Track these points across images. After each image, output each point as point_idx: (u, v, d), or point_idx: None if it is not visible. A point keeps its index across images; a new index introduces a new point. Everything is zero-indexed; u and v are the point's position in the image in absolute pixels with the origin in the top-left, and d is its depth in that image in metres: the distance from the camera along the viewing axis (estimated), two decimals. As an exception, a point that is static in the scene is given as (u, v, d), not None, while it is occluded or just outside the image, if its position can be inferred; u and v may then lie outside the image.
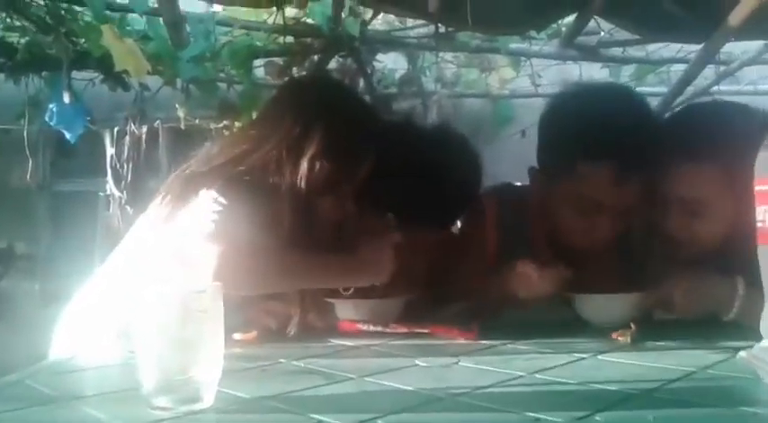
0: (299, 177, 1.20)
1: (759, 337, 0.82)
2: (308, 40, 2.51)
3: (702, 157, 1.22)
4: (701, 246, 1.28)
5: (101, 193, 2.93)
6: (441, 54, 2.82)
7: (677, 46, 2.54)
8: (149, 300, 0.75)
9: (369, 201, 1.29)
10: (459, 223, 1.59)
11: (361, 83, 2.78)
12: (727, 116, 1.34)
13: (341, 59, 2.66)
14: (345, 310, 1.27)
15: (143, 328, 0.74)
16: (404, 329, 1.18)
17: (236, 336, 1.12)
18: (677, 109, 1.73)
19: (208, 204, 1.13)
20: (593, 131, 1.26)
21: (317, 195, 1.23)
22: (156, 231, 1.20)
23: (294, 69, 2.57)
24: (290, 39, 2.49)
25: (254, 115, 1.53)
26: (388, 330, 1.18)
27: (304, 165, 1.20)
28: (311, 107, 1.26)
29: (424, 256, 1.42)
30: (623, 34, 2.37)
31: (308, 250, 1.18)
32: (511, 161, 1.59)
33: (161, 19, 2.19)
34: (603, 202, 1.29)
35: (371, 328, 1.19)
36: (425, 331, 1.16)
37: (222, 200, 1.12)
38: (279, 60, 2.56)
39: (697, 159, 1.23)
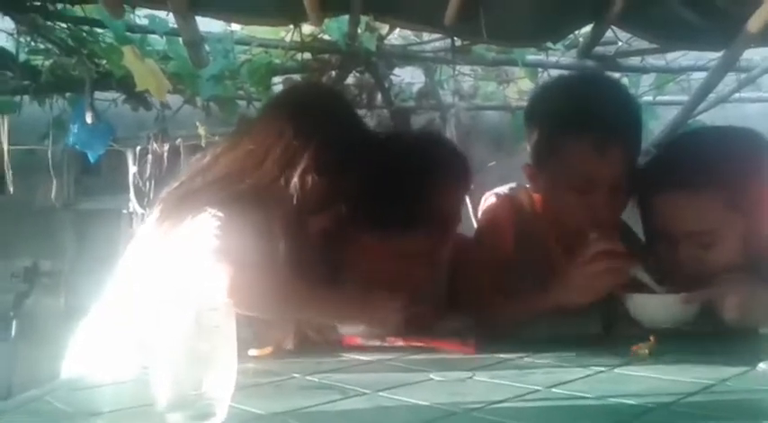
0: (292, 193, 1.20)
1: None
2: (326, 56, 2.53)
3: (705, 189, 1.21)
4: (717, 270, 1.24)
5: (124, 211, 2.97)
6: (458, 67, 2.82)
7: (697, 54, 2.51)
8: (163, 315, 0.75)
9: (359, 214, 1.28)
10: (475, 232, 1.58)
11: (379, 97, 2.80)
12: (724, 142, 1.33)
13: (358, 74, 2.67)
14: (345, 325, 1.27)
15: (157, 343, 0.75)
16: (401, 343, 1.17)
17: (252, 352, 1.12)
18: (673, 139, 1.68)
19: (209, 221, 1.13)
20: (573, 109, 1.32)
21: (311, 211, 1.22)
22: (152, 248, 1.20)
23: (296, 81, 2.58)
24: (307, 55, 2.51)
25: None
26: (385, 344, 1.18)
27: (295, 180, 1.20)
28: (303, 118, 1.25)
29: (424, 268, 1.41)
30: (641, 43, 2.35)
31: (310, 273, 1.19)
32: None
33: (180, 39, 2.22)
34: (593, 176, 1.31)
35: (369, 342, 1.20)
36: (422, 345, 1.16)
37: (222, 217, 1.12)
38: (297, 77, 2.58)
39: (700, 192, 1.22)
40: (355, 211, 1.28)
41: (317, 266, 1.27)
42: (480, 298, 1.39)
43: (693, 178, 1.23)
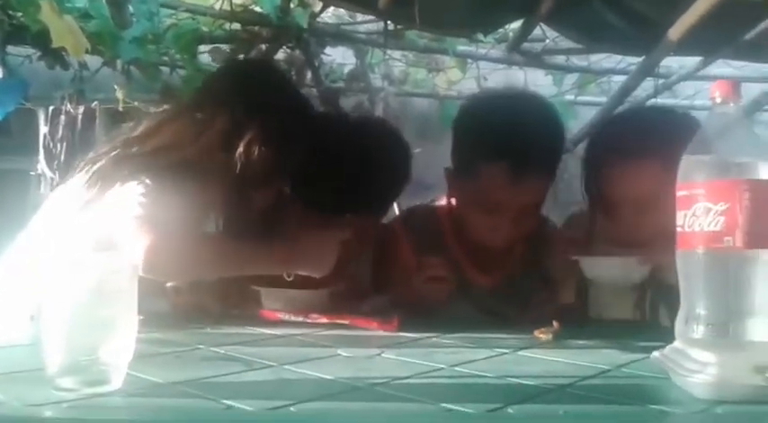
0: (235, 164, 1.18)
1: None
2: (256, 28, 2.47)
3: (645, 159, 1.29)
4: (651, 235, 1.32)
5: (32, 172, 2.83)
6: (389, 52, 2.82)
7: (618, 57, 2.60)
8: (60, 276, 0.72)
9: (301, 190, 1.28)
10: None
11: (309, 75, 2.76)
12: (662, 117, 1.45)
13: (288, 50, 2.63)
14: (269, 300, 1.25)
15: (51, 304, 0.71)
16: (324, 320, 1.17)
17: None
18: (615, 115, 1.84)
19: (137, 189, 1.09)
20: (492, 133, 1.35)
21: (254, 183, 1.21)
22: (76, 212, 1.16)
23: (240, 57, 2.53)
24: (236, 26, 2.45)
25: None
26: (308, 320, 1.17)
27: (240, 151, 1.18)
28: (249, 92, 1.24)
29: (351, 247, 1.41)
30: (568, 43, 2.42)
31: (245, 238, 1.16)
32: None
33: (103, -3, 2.13)
34: (501, 201, 1.36)
35: (292, 317, 1.18)
36: (345, 322, 1.15)
37: (152, 185, 1.09)
38: (225, 47, 2.52)
39: (640, 161, 1.30)
40: (295, 187, 1.27)
41: (257, 240, 1.25)
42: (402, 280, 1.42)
43: (635, 148, 1.31)
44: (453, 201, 1.51)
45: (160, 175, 1.12)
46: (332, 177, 1.28)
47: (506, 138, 1.33)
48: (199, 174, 1.15)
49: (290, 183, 1.29)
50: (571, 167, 1.62)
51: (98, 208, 1.13)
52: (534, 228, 1.44)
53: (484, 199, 1.38)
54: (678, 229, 0.87)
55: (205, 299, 1.21)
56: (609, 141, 1.42)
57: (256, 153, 1.17)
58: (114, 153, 1.19)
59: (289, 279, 1.25)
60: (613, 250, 1.41)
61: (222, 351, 0.94)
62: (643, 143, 1.31)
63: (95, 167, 1.19)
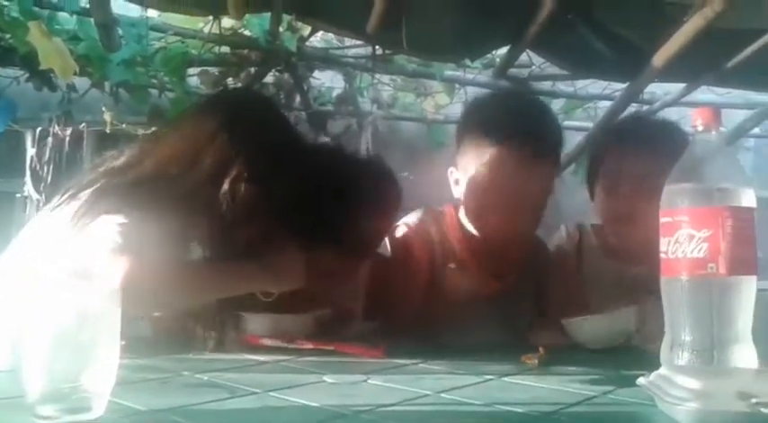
0: (220, 199, 1.17)
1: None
2: (245, 51, 2.49)
3: (653, 143, 1.42)
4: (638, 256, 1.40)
5: (18, 195, 2.81)
6: (378, 76, 2.84)
7: (604, 83, 2.64)
8: (41, 302, 0.71)
9: (286, 221, 1.27)
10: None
11: (298, 99, 2.77)
12: (665, 121, 1.62)
13: (277, 74, 2.64)
14: (254, 325, 1.24)
15: (32, 330, 0.70)
16: (309, 345, 1.16)
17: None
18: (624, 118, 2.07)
19: (116, 220, 1.08)
20: (502, 117, 1.43)
21: (239, 219, 1.19)
22: (55, 244, 1.14)
23: (229, 80, 2.54)
24: (225, 49, 2.46)
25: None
26: (293, 346, 1.16)
27: (225, 188, 1.17)
28: (236, 125, 1.22)
29: (342, 280, 1.41)
30: (554, 69, 2.44)
31: (221, 261, 1.16)
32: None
33: (92, 20, 2.13)
34: (511, 186, 1.38)
35: (277, 342, 1.17)
36: (331, 348, 1.15)
37: (132, 217, 1.08)
38: (214, 70, 2.53)
39: (649, 144, 1.43)
40: (281, 222, 1.26)
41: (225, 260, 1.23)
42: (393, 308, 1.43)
43: (645, 134, 1.49)
44: (458, 203, 1.53)
45: (141, 206, 1.10)
46: (316, 212, 1.27)
47: (516, 120, 1.41)
48: (181, 206, 1.14)
49: (279, 217, 1.27)
50: (558, 191, 1.63)
51: (77, 240, 1.11)
52: (538, 223, 1.47)
53: (493, 185, 1.39)
54: (662, 256, 0.87)
55: (188, 324, 1.19)
56: (614, 131, 1.64)
57: (242, 189, 1.17)
58: (96, 185, 1.18)
59: (266, 300, 1.24)
60: (603, 262, 1.50)
61: (206, 377, 0.93)
62: (646, 134, 1.48)
63: (77, 201, 1.17)
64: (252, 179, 1.18)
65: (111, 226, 1.08)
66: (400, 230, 1.55)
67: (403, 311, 1.44)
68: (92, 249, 1.06)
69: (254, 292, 1.24)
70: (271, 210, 1.22)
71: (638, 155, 1.46)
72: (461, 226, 1.52)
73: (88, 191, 1.17)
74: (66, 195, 1.19)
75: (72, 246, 1.10)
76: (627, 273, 1.49)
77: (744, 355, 0.83)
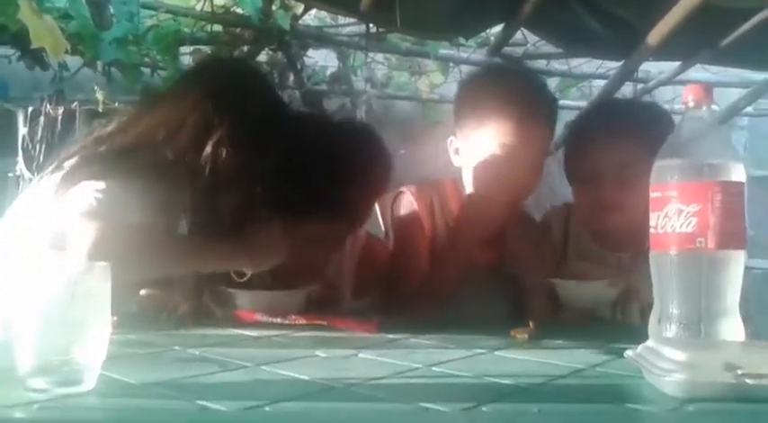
0: (203, 164, 1.17)
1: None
2: (237, 30, 2.46)
3: (626, 131, 1.43)
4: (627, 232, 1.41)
5: (10, 174, 2.80)
6: (372, 55, 2.82)
7: (598, 62, 2.63)
8: (32, 275, 0.71)
9: (272, 187, 1.27)
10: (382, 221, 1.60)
11: (291, 77, 2.76)
12: (643, 105, 1.69)
13: (270, 52, 2.63)
14: (246, 301, 1.25)
15: (23, 304, 0.70)
16: (302, 321, 1.17)
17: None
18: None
19: (95, 185, 1.09)
20: (502, 81, 1.51)
21: (222, 184, 1.20)
22: (41, 211, 1.15)
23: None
24: (218, 27, 2.44)
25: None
26: (286, 321, 1.17)
27: (208, 152, 1.17)
28: (222, 92, 1.23)
29: (331, 251, 1.41)
30: (548, 47, 2.43)
31: (197, 236, 1.16)
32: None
33: (83, -3, 2.12)
34: (510, 145, 1.43)
35: (269, 318, 1.18)
36: (324, 323, 1.15)
37: (115, 183, 1.08)
38: (206, 48, 2.51)
39: (622, 132, 1.44)
40: (267, 190, 1.26)
41: (222, 232, 1.23)
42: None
43: (618, 121, 1.48)
44: (456, 177, 1.56)
45: (127, 173, 1.11)
46: (304, 180, 1.27)
47: (512, 86, 1.48)
48: (167, 172, 1.14)
49: (261, 183, 1.28)
50: (553, 170, 1.64)
51: (58, 207, 1.12)
52: (536, 184, 1.50)
53: (493, 145, 1.44)
54: (651, 231, 0.88)
55: (178, 301, 1.19)
56: (593, 117, 1.60)
57: (224, 154, 1.17)
58: (83, 152, 1.18)
59: (240, 280, 1.24)
60: (588, 242, 1.51)
61: (197, 352, 0.94)
62: (625, 120, 1.47)
63: (64, 167, 1.18)
64: (234, 144, 1.18)
65: (88, 191, 1.08)
66: (403, 198, 1.57)
67: (406, 285, 1.46)
68: (67, 214, 1.07)
69: (227, 271, 1.24)
70: (254, 175, 1.22)
71: (617, 143, 1.45)
72: (462, 196, 1.53)
73: (73, 159, 1.17)
74: (53, 165, 1.19)
75: (53, 213, 1.11)
76: (610, 256, 1.50)
77: (731, 329, 0.84)
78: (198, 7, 2.26)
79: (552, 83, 2.84)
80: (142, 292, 1.21)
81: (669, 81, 2.53)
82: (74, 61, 2.49)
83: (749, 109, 2.97)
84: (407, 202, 1.57)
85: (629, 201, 1.36)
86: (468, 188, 1.52)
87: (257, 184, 1.23)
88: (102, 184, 1.08)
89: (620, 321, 1.36)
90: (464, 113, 1.52)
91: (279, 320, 1.18)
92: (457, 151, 1.55)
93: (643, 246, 1.18)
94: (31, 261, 0.76)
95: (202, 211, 1.18)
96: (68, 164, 1.17)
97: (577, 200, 1.56)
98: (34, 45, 2.13)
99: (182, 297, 1.19)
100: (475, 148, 1.48)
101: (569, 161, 1.56)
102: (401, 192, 1.59)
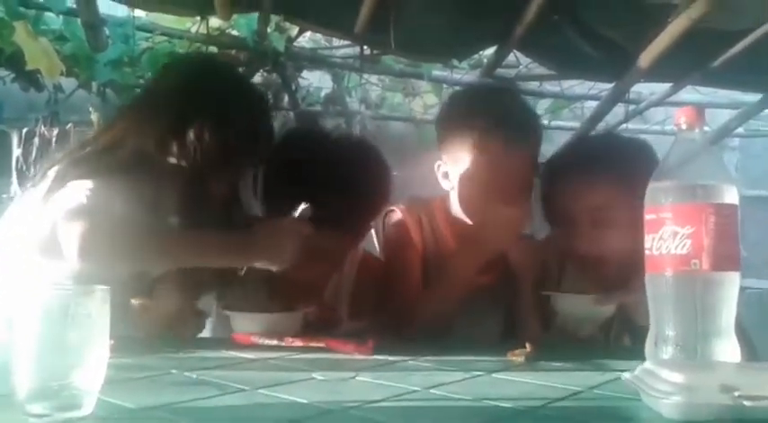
0: (188, 154, 1.18)
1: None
2: (233, 52, 2.48)
3: (599, 172, 1.38)
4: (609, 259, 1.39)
5: (4, 195, 2.79)
6: (366, 76, 2.85)
7: (590, 83, 2.66)
8: (30, 299, 0.71)
9: (273, 204, 1.27)
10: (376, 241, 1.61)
11: (286, 98, 2.77)
12: (621, 140, 1.58)
13: (266, 74, 2.64)
14: (243, 323, 1.24)
15: (21, 328, 0.70)
16: (299, 343, 1.16)
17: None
18: (572, 140, 1.98)
19: (82, 184, 1.09)
20: (486, 103, 1.48)
21: (207, 170, 1.20)
22: (29, 222, 1.15)
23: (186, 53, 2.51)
24: (213, 49, 2.46)
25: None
26: (283, 344, 1.17)
27: (191, 138, 1.18)
28: (196, 84, 1.25)
29: (332, 267, 1.41)
30: (541, 69, 2.46)
31: (196, 229, 1.16)
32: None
33: (79, 20, 2.13)
34: (497, 170, 1.42)
35: (266, 340, 1.18)
36: (321, 345, 1.15)
37: (101, 181, 1.09)
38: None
39: (595, 172, 1.39)
40: (269, 204, 1.26)
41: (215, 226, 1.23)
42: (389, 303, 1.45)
43: (591, 162, 1.41)
44: (445, 197, 1.55)
45: (113, 171, 1.11)
46: (306, 194, 1.27)
47: (492, 105, 1.46)
48: (153, 167, 1.15)
49: (260, 192, 1.28)
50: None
51: (47, 208, 1.12)
52: (526, 209, 1.48)
53: (479, 169, 1.43)
54: (646, 253, 0.89)
55: (173, 310, 1.19)
56: (566, 159, 1.51)
57: (207, 137, 1.17)
58: (69, 157, 1.19)
59: (241, 273, 1.23)
60: (586, 273, 1.45)
61: (195, 375, 0.94)
62: (598, 161, 1.41)
63: (50, 175, 1.18)
64: (216, 128, 1.19)
65: (76, 190, 1.08)
66: (393, 216, 1.57)
67: (399, 302, 1.45)
68: (56, 214, 1.07)
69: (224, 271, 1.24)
70: (239, 162, 1.23)
71: (591, 187, 1.39)
72: (451, 216, 1.53)
73: (60, 165, 1.18)
74: (39, 174, 1.20)
75: (43, 217, 1.11)
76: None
77: (726, 350, 0.84)
78: (193, 29, 2.28)
79: (544, 104, 2.88)
80: (133, 301, 1.21)
81: (660, 102, 2.56)
82: (69, 83, 2.50)
83: (740, 130, 3.00)
84: (397, 220, 1.57)
85: (606, 244, 1.37)
86: (458, 212, 1.51)
87: (241, 175, 1.23)
88: (89, 183, 1.09)
89: (613, 346, 1.35)
90: (448, 138, 1.51)
91: (276, 343, 1.17)
92: (446, 175, 1.54)
93: (630, 281, 1.19)
94: (29, 284, 0.76)
95: (189, 201, 1.17)
96: (55, 170, 1.18)
97: (561, 244, 1.51)
98: (29, 66, 2.15)
99: (178, 303, 1.19)
100: (462, 170, 1.46)
101: (545, 204, 1.52)
102: (391, 210, 1.59)
